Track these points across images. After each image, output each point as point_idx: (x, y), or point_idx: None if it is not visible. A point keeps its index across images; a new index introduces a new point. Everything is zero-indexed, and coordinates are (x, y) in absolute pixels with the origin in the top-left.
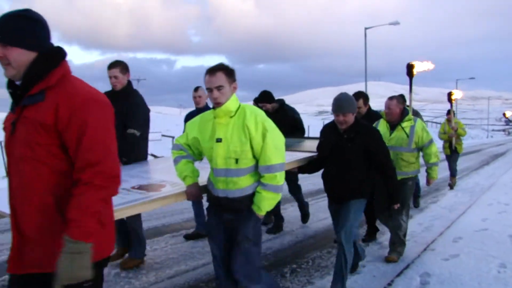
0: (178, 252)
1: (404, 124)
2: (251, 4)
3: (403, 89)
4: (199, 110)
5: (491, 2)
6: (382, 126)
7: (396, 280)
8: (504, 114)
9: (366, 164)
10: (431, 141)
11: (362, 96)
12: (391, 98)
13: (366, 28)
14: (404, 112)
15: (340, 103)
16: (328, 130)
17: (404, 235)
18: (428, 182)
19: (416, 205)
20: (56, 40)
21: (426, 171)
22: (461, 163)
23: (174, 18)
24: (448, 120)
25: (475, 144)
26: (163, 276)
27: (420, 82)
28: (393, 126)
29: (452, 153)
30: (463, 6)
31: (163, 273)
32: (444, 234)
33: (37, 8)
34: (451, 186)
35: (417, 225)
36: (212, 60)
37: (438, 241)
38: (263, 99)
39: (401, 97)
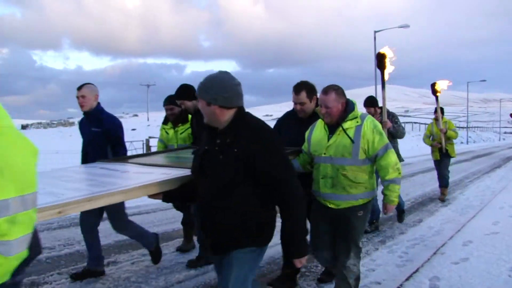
0: (187, 257)
1: (347, 125)
2: (261, 8)
3: (414, 92)
4: (86, 114)
5: (502, 2)
6: (318, 129)
7: (405, 284)
8: (511, 115)
9: (255, 187)
10: (386, 148)
11: (305, 87)
12: (326, 92)
13: (375, 32)
14: (347, 108)
15: (198, 87)
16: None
17: (357, 280)
18: (385, 208)
19: (400, 220)
20: (66, 46)
21: (382, 192)
22: (472, 166)
23: (184, 23)
24: (436, 120)
25: (487, 147)
26: (173, 280)
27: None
28: (332, 128)
29: (443, 158)
30: (473, 7)
31: (172, 278)
32: (454, 237)
33: (48, 14)
34: (442, 200)
35: (427, 228)
36: (222, 65)
37: (448, 245)
38: (181, 95)
39: (340, 88)
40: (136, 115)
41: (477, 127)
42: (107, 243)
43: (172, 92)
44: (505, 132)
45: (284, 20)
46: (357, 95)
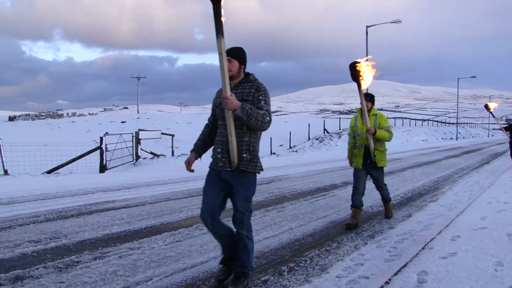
0: (176, 251)
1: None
2: (255, 2)
3: (404, 88)
4: None
5: (494, 1)
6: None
7: (394, 278)
8: (486, 106)
9: None
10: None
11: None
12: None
13: (367, 26)
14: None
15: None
16: None
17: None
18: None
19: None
20: (57, 37)
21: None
22: (461, 162)
23: (177, 15)
24: (361, 112)
25: (476, 143)
26: (160, 274)
27: (422, 81)
28: None
29: (369, 168)
30: (465, 5)
31: (160, 271)
32: (443, 232)
33: (40, 5)
34: (388, 217)
35: (416, 223)
36: (215, 58)
37: (436, 240)
38: None
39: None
40: (126, 108)
41: (467, 123)
42: (94, 236)
43: (163, 84)
44: (493, 129)
45: (278, 14)
46: (349, 91)
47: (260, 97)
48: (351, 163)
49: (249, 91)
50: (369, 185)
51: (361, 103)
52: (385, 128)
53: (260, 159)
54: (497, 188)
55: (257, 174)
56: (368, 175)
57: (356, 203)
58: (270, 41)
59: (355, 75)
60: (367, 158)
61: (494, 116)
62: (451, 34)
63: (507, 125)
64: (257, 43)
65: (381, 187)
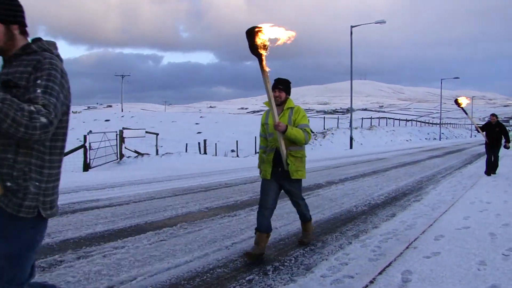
0: (160, 250)
1: None
2: (241, 0)
3: (389, 88)
4: None
5: (478, 3)
6: None
7: (378, 278)
8: (456, 102)
9: None
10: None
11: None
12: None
13: (352, 26)
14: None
15: None
16: None
17: None
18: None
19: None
20: (42, 33)
21: None
22: (445, 162)
23: (163, 13)
24: (269, 106)
25: (459, 143)
26: (145, 273)
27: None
28: None
29: (281, 179)
30: (450, 7)
31: (144, 271)
32: (427, 232)
33: (24, 1)
34: (303, 243)
35: (400, 223)
36: (200, 56)
37: (420, 239)
38: None
39: None
40: (110, 106)
41: (450, 123)
42: (78, 235)
43: (148, 83)
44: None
45: (264, 13)
46: (334, 90)
47: (38, 81)
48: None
49: (24, 69)
50: (355, 184)
51: (266, 88)
52: (301, 126)
53: (245, 157)
54: (480, 188)
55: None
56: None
57: (261, 226)
58: None
59: (254, 44)
60: (278, 166)
61: (466, 113)
62: (435, 35)
63: (482, 125)
64: (242, 42)
65: (296, 203)
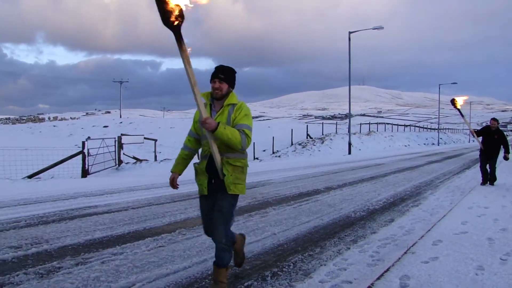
0: (159, 256)
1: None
2: (240, 7)
3: (387, 93)
4: None
5: (475, 8)
6: None
7: (376, 283)
8: (453, 102)
9: None
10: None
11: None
12: None
13: (350, 32)
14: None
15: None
16: None
17: None
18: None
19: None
20: (40, 40)
21: None
22: (443, 167)
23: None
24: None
25: (457, 148)
26: (143, 279)
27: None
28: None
29: (215, 193)
30: (448, 12)
31: (143, 277)
32: (425, 237)
33: (23, 7)
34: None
35: (398, 228)
36: (199, 63)
37: (418, 244)
38: None
39: None
40: (108, 112)
41: (448, 128)
42: (76, 242)
43: (146, 89)
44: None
45: (263, 19)
46: (333, 95)
47: None
48: (172, 182)
49: None
50: (353, 189)
51: (186, 72)
52: (239, 126)
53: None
54: (478, 193)
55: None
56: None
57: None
58: (255, 47)
59: (166, 11)
60: (215, 176)
61: (463, 116)
62: (433, 41)
63: (479, 129)
64: (241, 48)
65: (217, 234)
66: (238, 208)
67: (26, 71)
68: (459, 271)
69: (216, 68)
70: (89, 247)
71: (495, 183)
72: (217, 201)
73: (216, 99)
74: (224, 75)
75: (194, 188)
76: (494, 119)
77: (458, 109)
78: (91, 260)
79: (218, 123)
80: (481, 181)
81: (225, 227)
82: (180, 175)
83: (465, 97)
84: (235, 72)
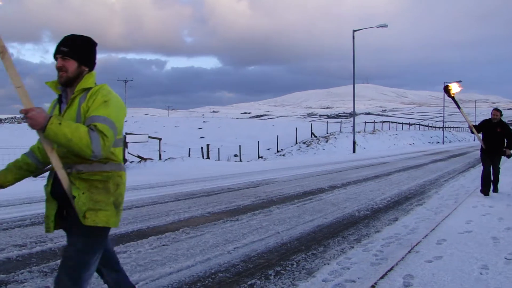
0: (162, 255)
1: None
2: (245, 5)
3: (392, 92)
4: None
5: (480, 6)
6: None
7: (380, 282)
8: (446, 89)
9: None
10: None
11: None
12: None
13: (354, 31)
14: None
15: None
16: None
17: None
18: None
19: None
20: (46, 39)
21: None
22: (448, 166)
23: (167, 18)
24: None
25: (462, 147)
26: (147, 278)
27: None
28: None
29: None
30: (453, 11)
31: (146, 275)
32: (429, 236)
33: (28, 6)
34: None
35: (402, 227)
36: (204, 61)
37: (422, 243)
38: None
39: None
40: None
41: (453, 127)
42: None
43: (151, 88)
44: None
45: (268, 17)
46: (335, 94)
47: None
48: None
49: None
50: (357, 188)
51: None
52: (90, 120)
53: (248, 162)
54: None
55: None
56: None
57: None
58: (259, 45)
59: None
60: (68, 205)
61: (459, 106)
62: (438, 39)
63: (479, 123)
64: (246, 47)
65: None
66: (242, 207)
67: (32, 70)
68: (463, 270)
69: (62, 39)
70: None
71: (498, 185)
72: (68, 237)
73: (65, 86)
74: (68, 48)
75: (197, 187)
76: (496, 110)
77: (453, 98)
78: None
79: (50, 117)
80: (480, 187)
81: (71, 282)
82: (3, 186)
83: (459, 87)
84: (90, 42)
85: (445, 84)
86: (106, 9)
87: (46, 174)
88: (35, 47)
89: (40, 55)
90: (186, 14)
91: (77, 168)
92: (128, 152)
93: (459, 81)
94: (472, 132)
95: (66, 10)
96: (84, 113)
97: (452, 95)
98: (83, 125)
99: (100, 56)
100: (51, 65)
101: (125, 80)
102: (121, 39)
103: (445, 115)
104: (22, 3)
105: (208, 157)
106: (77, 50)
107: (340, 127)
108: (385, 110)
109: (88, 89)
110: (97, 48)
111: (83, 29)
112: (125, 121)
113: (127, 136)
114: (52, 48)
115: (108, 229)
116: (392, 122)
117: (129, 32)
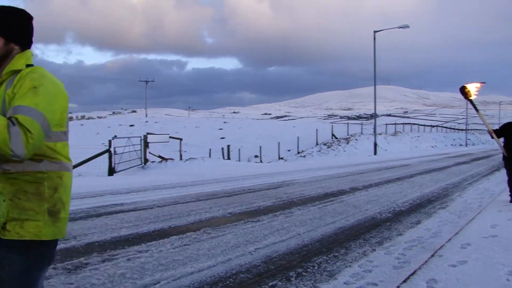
0: (183, 254)
1: None
2: (265, 6)
3: (413, 93)
4: None
5: (505, 7)
6: None
7: (402, 286)
8: (463, 90)
9: None
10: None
11: None
12: None
13: (375, 31)
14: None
15: None
16: None
17: None
18: None
19: None
20: (70, 40)
21: None
22: (471, 169)
23: (188, 19)
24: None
25: (486, 150)
26: (168, 277)
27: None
28: None
29: None
30: (476, 10)
31: (168, 274)
32: (452, 240)
33: (51, 7)
34: None
35: (425, 230)
36: (224, 62)
37: (446, 247)
38: None
39: None
40: (134, 111)
41: (477, 129)
42: (103, 239)
43: (172, 88)
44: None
45: (289, 18)
46: (358, 95)
47: None
48: None
49: None
50: (379, 190)
51: None
52: (13, 111)
53: (268, 163)
54: (508, 195)
55: None
56: None
57: None
58: (279, 46)
59: None
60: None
61: (477, 109)
62: (461, 39)
63: (499, 127)
64: (266, 48)
65: None
66: (263, 207)
67: (55, 71)
68: (489, 275)
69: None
70: (115, 244)
71: None
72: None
73: None
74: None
75: (218, 187)
76: None
77: (471, 101)
78: (117, 257)
79: None
80: (509, 198)
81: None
82: None
83: (478, 84)
84: (21, 15)
85: (462, 86)
86: (127, 10)
87: None
88: (58, 48)
89: (63, 56)
90: (207, 15)
91: (2, 167)
92: (150, 152)
93: (482, 82)
94: (492, 137)
95: (88, 11)
96: (9, 101)
97: (471, 99)
98: (3, 118)
99: (122, 57)
100: (73, 66)
101: (146, 81)
102: (143, 39)
103: (468, 117)
104: (45, 5)
105: (228, 158)
106: (2, 24)
107: (361, 128)
108: (407, 111)
109: (18, 71)
110: (120, 49)
111: (106, 30)
112: (146, 121)
113: (148, 136)
114: (75, 49)
115: (52, 240)
116: (414, 124)
117: (150, 33)
